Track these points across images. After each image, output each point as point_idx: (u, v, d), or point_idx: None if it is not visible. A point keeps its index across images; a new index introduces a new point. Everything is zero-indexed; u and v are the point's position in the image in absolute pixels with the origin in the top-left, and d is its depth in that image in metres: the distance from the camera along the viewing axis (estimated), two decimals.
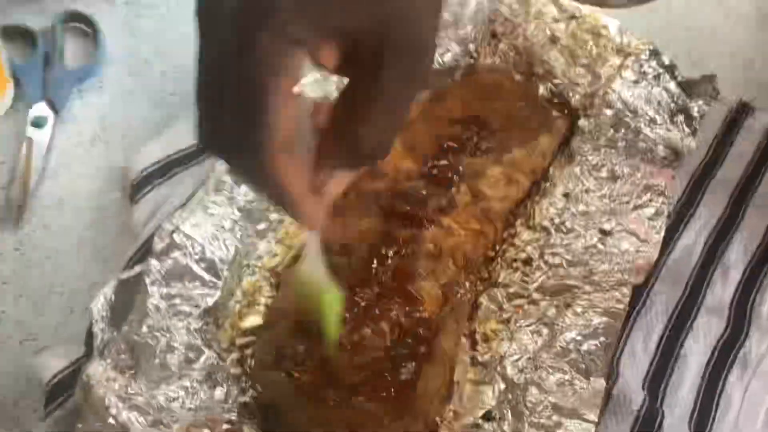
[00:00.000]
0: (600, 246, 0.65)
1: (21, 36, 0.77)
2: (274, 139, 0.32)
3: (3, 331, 0.59)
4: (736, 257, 0.69)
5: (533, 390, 0.56)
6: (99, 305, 0.54)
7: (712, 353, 0.63)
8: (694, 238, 0.70)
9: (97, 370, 0.50)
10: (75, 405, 0.50)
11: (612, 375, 0.59)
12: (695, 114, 0.76)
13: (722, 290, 0.67)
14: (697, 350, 0.63)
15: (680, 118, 0.76)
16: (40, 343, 0.59)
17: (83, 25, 0.79)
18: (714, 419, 0.60)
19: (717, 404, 0.61)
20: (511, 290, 0.64)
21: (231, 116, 0.33)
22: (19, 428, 0.55)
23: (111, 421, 0.47)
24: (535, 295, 0.63)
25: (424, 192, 0.64)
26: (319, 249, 0.45)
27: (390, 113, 0.35)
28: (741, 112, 0.80)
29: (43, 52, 0.75)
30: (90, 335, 0.54)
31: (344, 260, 0.59)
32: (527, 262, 0.65)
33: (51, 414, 0.52)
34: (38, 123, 0.71)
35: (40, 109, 0.72)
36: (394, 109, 0.35)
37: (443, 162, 0.67)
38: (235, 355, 0.57)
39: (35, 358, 0.55)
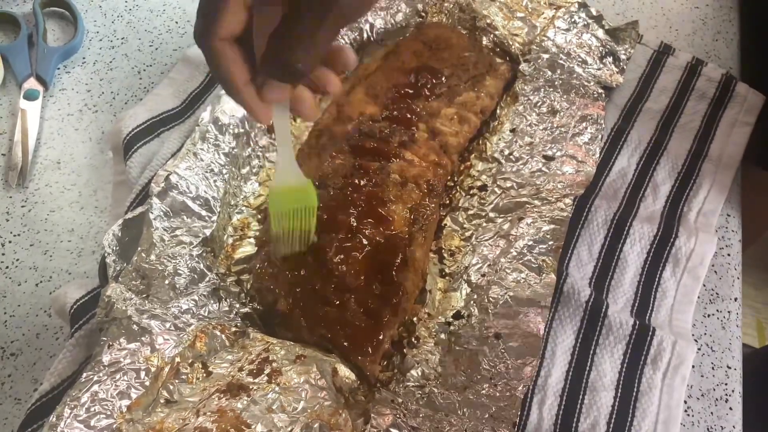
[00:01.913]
0: (545, 169, 0.74)
1: (5, 21, 0.83)
2: (220, 29, 0.44)
3: (20, 276, 0.65)
4: (664, 175, 0.79)
5: (495, 288, 0.64)
6: (109, 240, 0.60)
7: (648, 254, 0.72)
8: (627, 161, 0.80)
9: (116, 290, 0.57)
10: (97, 324, 0.57)
11: (562, 275, 0.68)
12: (622, 56, 0.86)
13: (653, 203, 0.77)
14: (634, 252, 0.72)
15: (609, 59, 0.85)
16: (54, 284, 0.65)
17: (61, 9, 0.85)
18: (653, 308, 0.69)
19: (654, 296, 0.70)
20: (471, 212, 0.72)
21: (202, 6, 0.45)
22: (44, 355, 0.61)
23: (134, 327, 0.54)
24: (491, 215, 0.71)
25: (387, 131, 0.72)
26: (292, 157, 0.56)
27: (310, 37, 0.43)
28: (663, 53, 0.90)
29: (27, 33, 0.82)
30: (103, 268, 0.61)
31: (323, 191, 0.67)
32: (482, 188, 0.74)
33: (75, 334, 0.58)
34: (30, 96, 0.77)
35: (31, 84, 0.78)
36: (313, 34, 0.43)
37: (402, 105, 0.75)
38: (233, 278, 0.64)
39: (57, 291, 0.62)
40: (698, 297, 0.70)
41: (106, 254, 0.60)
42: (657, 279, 0.71)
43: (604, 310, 0.67)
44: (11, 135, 0.74)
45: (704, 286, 0.71)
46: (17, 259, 0.66)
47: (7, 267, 0.66)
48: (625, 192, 0.77)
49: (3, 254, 0.66)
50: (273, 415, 0.50)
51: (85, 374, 0.51)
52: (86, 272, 0.66)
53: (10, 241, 0.67)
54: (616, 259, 0.72)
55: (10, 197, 0.70)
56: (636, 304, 0.69)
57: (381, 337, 0.59)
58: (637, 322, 0.66)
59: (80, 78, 0.81)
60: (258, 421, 0.50)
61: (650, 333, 0.66)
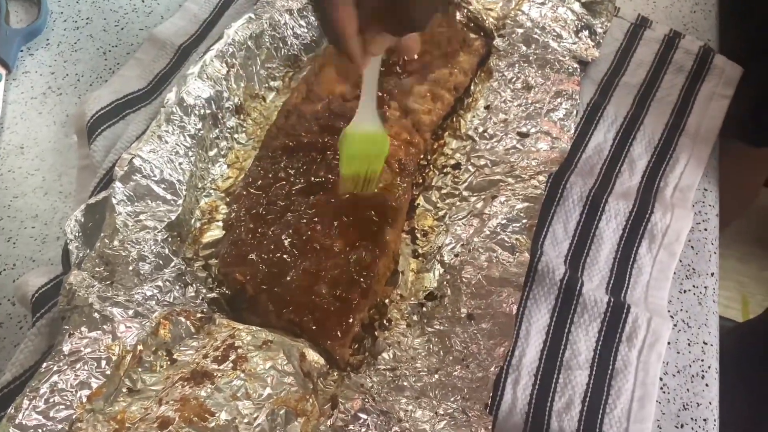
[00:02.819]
0: (519, 146, 0.73)
1: None
2: None
3: None
4: (640, 150, 0.78)
5: (468, 268, 0.63)
6: (71, 226, 0.59)
7: (624, 230, 0.71)
8: (603, 136, 0.78)
9: (77, 278, 0.55)
10: (59, 312, 0.55)
11: (537, 254, 0.67)
12: (598, 30, 0.85)
13: (629, 179, 0.75)
14: (609, 229, 0.71)
15: (585, 33, 0.84)
16: (17, 271, 0.64)
17: None
18: (628, 285, 0.68)
19: (630, 273, 0.69)
20: (444, 191, 0.71)
21: None
22: (7, 343, 0.60)
23: (96, 315, 0.52)
24: (465, 193, 0.70)
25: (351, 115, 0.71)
26: (374, 106, 0.60)
27: None
28: (640, 26, 0.89)
29: None
30: (66, 254, 0.59)
31: (290, 170, 0.65)
32: (456, 166, 0.73)
33: (36, 323, 0.57)
34: None
35: None
36: None
37: None
38: (200, 263, 0.63)
39: (19, 278, 0.60)
40: (674, 273, 0.69)
41: (68, 240, 0.59)
42: (633, 255, 0.70)
43: (578, 287, 0.66)
44: None
45: (680, 261, 0.70)
46: None
47: None
48: (601, 168, 0.76)
49: None
50: (237, 402, 0.49)
51: (45, 364, 0.49)
52: (50, 259, 0.65)
53: None
54: (592, 236, 0.71)
55: None
56: (611, 281, 0.68)
57: (351, 321, 0.58)
58: (612, 300, 0.65)
59: (44, 60, 0.79)
60: (222, 409, 0.49)
61: (625, 310, 0.65)
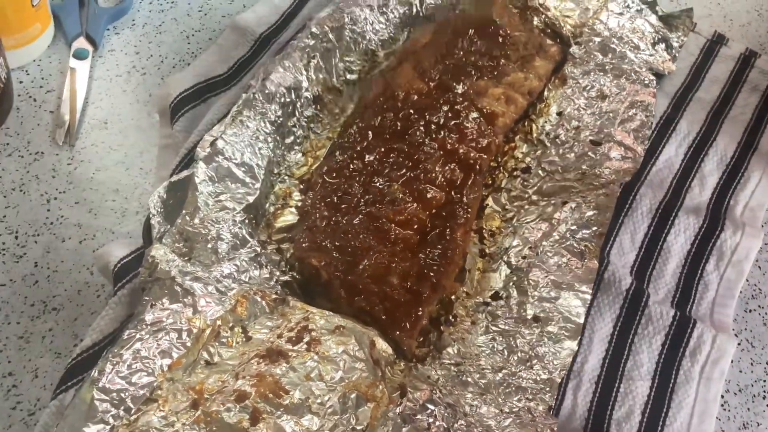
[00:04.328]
0: (591, 154, 0.73)
1: None
2: None
3: (64, 233, 0.66)
4: (711, 167, 0.77)
5: (535, 271, 0.64)
6: (154, 201, 0.61)
7: (692, 245, 0.71)
8: (674, 150, 0.78)
9: (159, 252, 0.57)
10: (140, 284, 0.57)
11: (603, 262, 0.67)
12: (674, 44, 0.85)
13: (699, 194, 0.75)
14: (678, 243, 0.71)
15: (661, 46, 0.84)
16: (97, 242, 0.66)
17: None
18: (694, 300, 0.68)
19: (696, 288, 0.69)
20: (513, 194, 0.72)
21: None
22: (85, 311, 0.62)
23: (177, 288, 0.54)
24: (534, 197, 0.71)
25: (434, 108, 0.72)
26: None
27: None
28: (716, 42, 0.88)
29: None
30: (147, 229, 0.61)
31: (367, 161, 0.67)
32: (526, 170, 0.73)
33: (118, 292, 0.59)
34: (79, 55, 0.77)
35: (80, 43, 0.78)
36: None
37: (450, 83, 0.75)
38: (273, 247, 0.64)
39: (101, 249, 0.62)
40: (740, 292, 0.69)
41: (151, 215, 0.60)
42: (700, 271, 0.70)
43: (644, 299, 0.66)
44: (60, 93, 0.75)
45: (747, 281, 0.70)
46: (62, 216, 0.67)
47: (51, 223, 0.66)
48: (671, 182, 0.76)
49: (48, 210, 0.67)
50: (311, 383, 0.50)
51: (127, 332, 0.51)
52: (129, 232, 0.67)
53: (55, 198, 0.68)
54: (659, 249, 0.71)
55: (57, 155, 0.71)
56: (677, 296, 0.68)
57: (420, 313, 0.59)
58: (678, 314, 0.65)
59: (129, 40, 0.81)
60: (296, 388, 0.50)
61: (690, 325, 0.65)
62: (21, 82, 0.75)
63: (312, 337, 0.53)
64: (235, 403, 0.48)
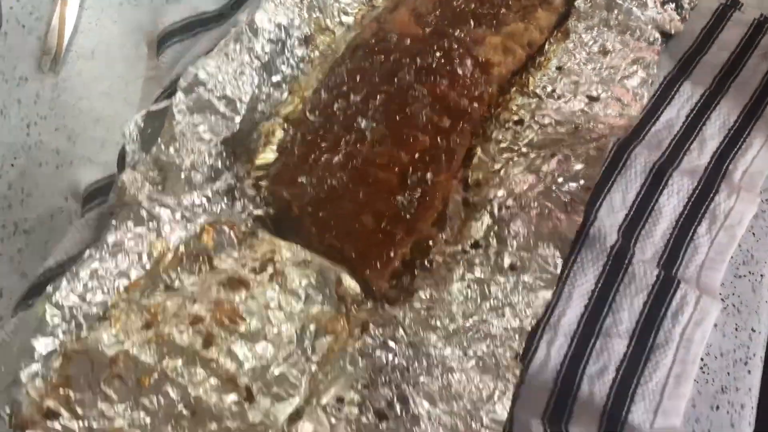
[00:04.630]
0: (587, 109, 0.71)
1: None
2: None
3: (41, 157, 0.65)
4: (713, 131, 0.75)
5: (517, 221, 0.62)
6: (131, 129, 0.60)
7: (684, 207, 0.69)
8: (676, 112, 0.76)
9: (130, 177, 0.56)
10: (108, 208, 0.56)
11: (590, 218, 0.65)
12: (685, 4, 0.82)
13: (698, 158, 0.73)
14: (670, 204, 0.69)
15: (671, 5, 0.81)
16: (74, 169, 0.65)
17: None
18: (681, 262, 0.66)
19: (685, 251, 0.67)
20: (503, 145, 0.70)
21: None
22: (55, 236, 0.61)
23: (143, 213, 0.53)
24: (524, 149, 0.69)
25: (427, 53, 0.70)
26: None
27: None
28: (730, 7, 0.85)
29: None
30: (122, 156, 0.60)
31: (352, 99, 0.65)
32: (519, 122, 0.71)
33: (85, 215, 0.58)
34: None
35: None
36: None
37: (446, 29, 0.72)
38: (250, 182, 0.63)
39: (74, 170, 0.61)
40: (731, 257, 0.67)
41: (126, 142, 0.59)
42: (690, 234, 0.68)
43: (629, 257, 0.64)
44: (49, 20, 0.74)
45: (739, 246, 0.68)
46: (41, 141, 0.66)
47: (29, 147, 0.65)
48: (669, 143, 0.74)
49: (27, 134, 0.66)
50: (269, 311, 0.49)
51: (87, 251, 0.50)
52: (107, 162, 0.65)
53: (36, 123, 0.67)
54: (650, 210, 0.69)
55: (41, 81, 0.70)
56: (664, 257, 0.66)
57: (392, 254, 0.57)
58: (663, 273, 0.63)
59: None
60: (253, 316, 0.49)
61: (674, 285, 0.63)
62: (11, 8, 0.74)
63: (276, 269, 0.52)
64: (190, 327, 0.47)
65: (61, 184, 0.64)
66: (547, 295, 0.57)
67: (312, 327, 0.49)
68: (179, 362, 0.46)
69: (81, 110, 0.68)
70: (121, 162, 0.60)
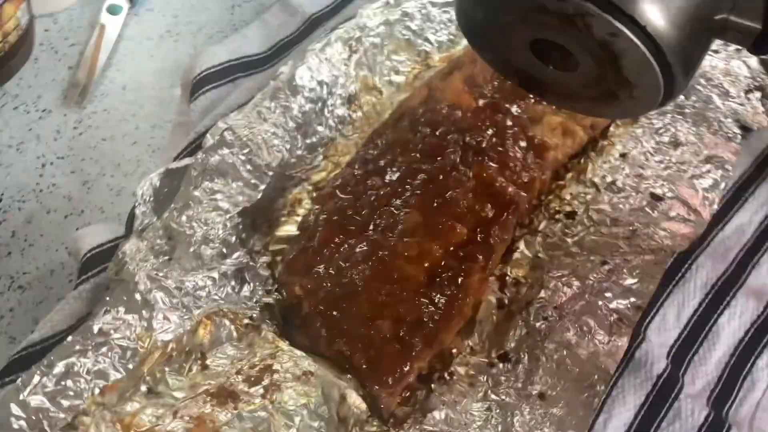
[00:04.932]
0: (648, 210, 0.64)
1: None
2: None
3: (51, 204, 0.61)
4: None
5: (554, 338, 0.56)
6: (144, 189, 0.55)
7: (746, 333, 0.62)
8: (748, 218, 0.68)
9: (133, 248, 0.51)
10: (106, 279, 0.52)
11: (638, 337, 0.58)
12: None
13: (767, 275, 0.65)
14: (730, 328, 0.61)
15: (756, 95, 0.73)
16: (84, 220, 0.61)
17: None
18: (734, 400, 0.59)
19: (741, 385, 0.60)
20: (550, 240, 0.63)
21: None
22: (52, 295, 0.57)
23: (137, 296, 0.48)
24: (573, 249, 0.62)
25: (478, 128, 0.63)
26: None
27: None
28: None
29: None
30: (131, 217, 0.56)
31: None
32: (570, 215, 0.64)
33: (80, 286, 0.54)
34: (113, 10, 0.72)
35: None
36: None
37: (502, 103, 0.66)
38: (266, 259, 0.58)
39: (80, 230, 0.57)
40: None
41: (136, 204, 0.55)
42: (749, 365, 0.60)
43: (677, 390, 0.57)
44: (83, 48, 0.70)
45: None
46: (54, 184, 0.62)
47: (41, 191, 0.62)
48: (737, 254, 0.66)
49: (41, 176, 0.62)
50: None
51: (69, 338, 0.46)
52: (119, 215, 0.61)
53: (51, 163, 0.63)
54: (707, 331, 0.62)
55: (65, 115, 0.66)
56: (717, 390, 0.59)
57: (407, 368, 0.51)
58: (712, 414, 0.56)
59: (170, 0, 0.75)
60: None
61: (725, 431, 0.56)
62: (46, 31, 0.71)
63: (273, 381, 0.47)
64: None
65: (66, 235, 0.60)
66: None
67: None
68: None
69: (102, 153, 0.64)
70: (130, 224, 0.56)
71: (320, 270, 0.55)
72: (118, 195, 0.63)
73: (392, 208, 0.59)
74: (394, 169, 0.61)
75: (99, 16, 0.71)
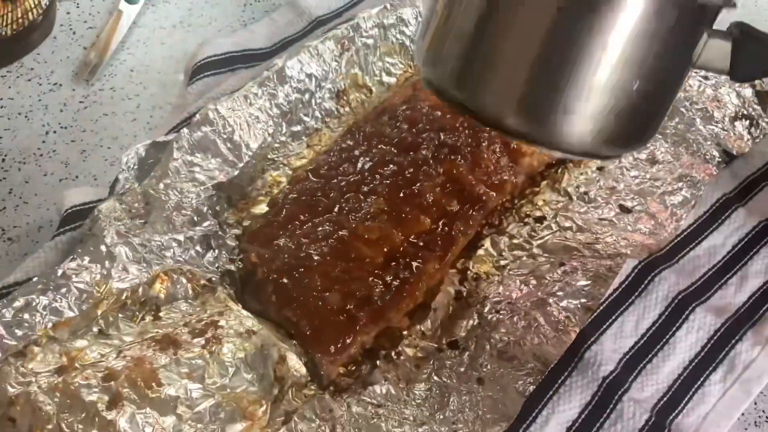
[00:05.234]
0: (614, 221, 0.65)
1: None
2: None
3: (49, 168, 0.65)
4: (758, 268, 0.67)
5: (501, 329, 0.57)
6: (130, 157, 0.59)
7: (702, 348, 0.62)
8: (722, 240, 0.69)
9: (110, 207, 0.55)
10: (82, 234, 0.55)
11: (590, 340, 0.60)
12: (762, 124, 0.75)
13: (734, 294, 0.66)
14: (687, 341, 0.62)
15: (743, 123, 0.74)
16: (77, 185, 0.65)
17: None
18: (682, 410, 0.59)
19: (690, 397, 0.60)
20: (515, 241, 0.65)
21: None
22: (37, 248, 0.60)
23: (102, 248, 0.52)
24: (536, 251, 0.64)
25: (456, 127, 0.66)
26: None
27: None
28: None
29: None
30: (115, 182, 0.59)
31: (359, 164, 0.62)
32: (539, 219, 0.66)
33: (56, 237, 0.57)
34: (132, 0, 0.77)
35: None
36: None
37: None
38: (236, 231, 0.61)
39: (66, 191, 0.61)
40: (743, 414, 0.60)
41: (120, 170, 0.59)
42: (703, 379, 0.61)
43: (620, 392, 0.58)
44: (100, 32, 0.75)
45: (755, 405, 0.61)
46: (54, 150, 0.67)
47: (41, 155, 0.66)
48: (705, 273, 0.67)
49: (43, 142, 0.67)
50: (189, 381, 0.47)
51: (34, 278, 0.50)
52: (110, 183, 0.65)
53: (55, 131, 0.67)
54: (664, 343, 0.62)
55: (74, 90, 0.70)
56: (663, 400, 0.60)
57: (349, 340, 0.54)
58: (653, 419, 0.57)
59: None
60: (171, 383, 0.46)
61: None
62: (68, 13, 0.76)
63: (215, 335, 0.49)
64: (101, 382, 0.45)
65: (58, 198, 0.63)
66: (504, 421, 0.52)
67: (229, 408, 0.46)
68: (77, 419, 0.44)
69: (102, 126, 0.69)
70: (113, 188, 0.60)
71: (280, 242, 0.58)
72: (111, 165, 0.66)
73: (360, 195, 0.61)
74: (368, 159, 0.64)
75: (118, 4, 0.76)
